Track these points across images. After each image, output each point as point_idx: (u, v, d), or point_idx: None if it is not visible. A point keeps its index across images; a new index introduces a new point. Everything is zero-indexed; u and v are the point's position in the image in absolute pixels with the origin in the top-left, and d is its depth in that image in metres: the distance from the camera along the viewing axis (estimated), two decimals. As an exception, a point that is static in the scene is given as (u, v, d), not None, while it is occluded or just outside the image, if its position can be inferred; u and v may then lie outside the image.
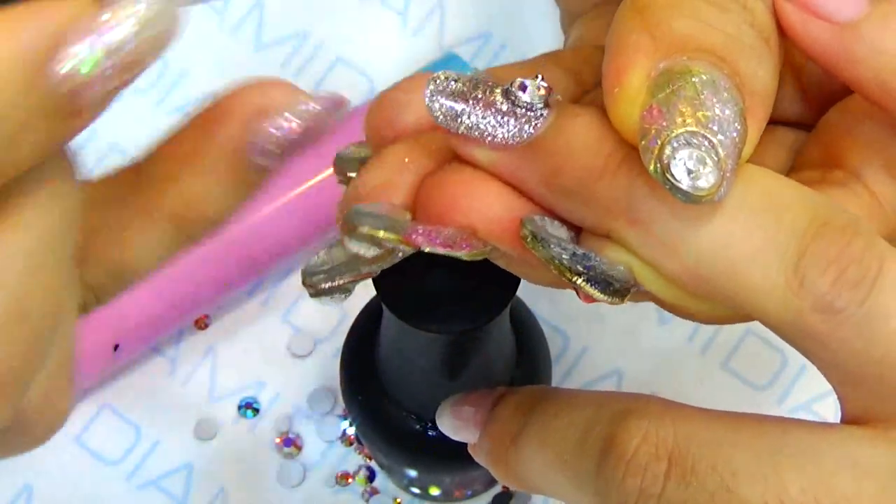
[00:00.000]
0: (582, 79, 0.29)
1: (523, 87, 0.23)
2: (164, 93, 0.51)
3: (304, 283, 0.25)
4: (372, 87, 0.51)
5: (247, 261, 0.46)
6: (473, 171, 0.24)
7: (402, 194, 0.24)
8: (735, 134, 0.21)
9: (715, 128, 0.21)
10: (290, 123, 0.22)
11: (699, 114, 0.21)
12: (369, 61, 0.51)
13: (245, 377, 0.48)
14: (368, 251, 0.24)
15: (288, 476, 0.47)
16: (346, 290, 0.25)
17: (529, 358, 0.39)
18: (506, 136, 0.23)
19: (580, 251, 0.24)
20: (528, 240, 0.23)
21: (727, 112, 0.21)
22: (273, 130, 0.22)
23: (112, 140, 0.49)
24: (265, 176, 0.23)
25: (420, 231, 0.23)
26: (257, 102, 0.23)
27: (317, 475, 0.47)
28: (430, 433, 0.39)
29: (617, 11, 0.23)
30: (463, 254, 0.23)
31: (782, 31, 0.24)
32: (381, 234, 0.23)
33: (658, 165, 0.21)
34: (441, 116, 0.23)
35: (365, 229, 0.23)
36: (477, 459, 0.29)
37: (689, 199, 0.21)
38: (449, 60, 0.49)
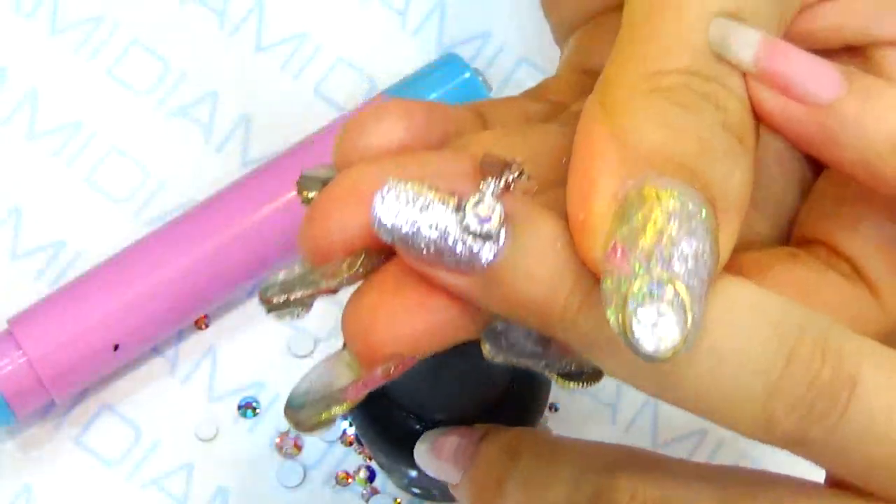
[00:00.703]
0: (567, 106, 0.29)
1: (476, 208, 0.21)
2: (164, 94, 0.51)
3: (259, 297, 0.24)
4: (372, 87, 0.51)
5: (247, 261, 0.46)
6: (399, 288, 0.22)
7: (354, 226, 0.23)
8: (705, 272, 0.20)
9: (682, 271, 0.20)
10: None
11: (666, 253, 0.20)
12: (369, 61, 0.51)
13: (245, 377, 0.48)
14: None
15: (288, 476, 0.47)
16: (303, 305, 0.24)
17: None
18: (456, 264, 0.22)
19: (544, 361, 0.23)
20: (489, 356, 0.23)
21: (696, 246, 0.20)
22: None
23: (113, 141, 0.49)
24: None
25: (360, 385, 0.23)
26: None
27: (317, 475, 0.47)
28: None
29: (586, 103, 0.22)
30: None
31: (759, 117, 0.23)
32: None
33: (619, 322, 0.20)
34: (387, 237, 0.22)
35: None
36: (459, 500, 0.29)
37: (651, 359, 0.20)
38: (449, 60, 0.49)
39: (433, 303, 0.22)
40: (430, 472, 0.29)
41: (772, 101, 0.22)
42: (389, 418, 0.40)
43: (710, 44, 0.22)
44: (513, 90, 0.51)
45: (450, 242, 0.21)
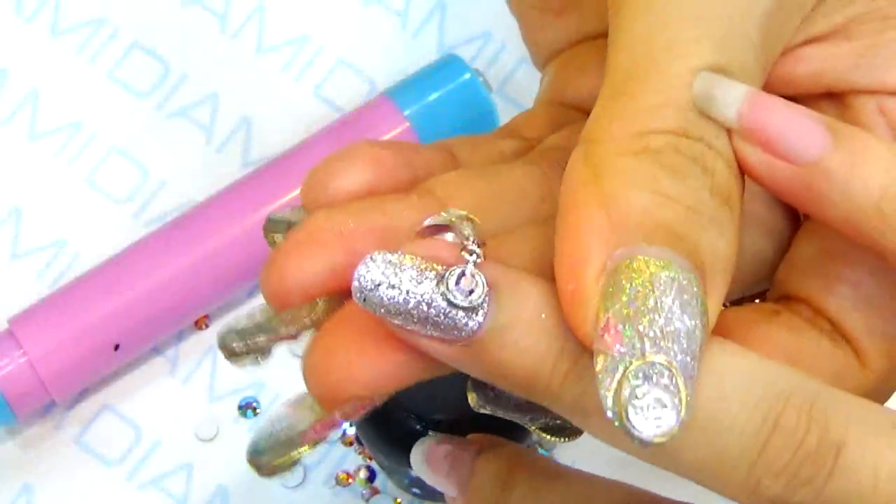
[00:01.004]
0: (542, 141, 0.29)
1: (459, 280, 0.21)
2: (164, 96, 0.51)
3: (219, 345, 0.24)
4: (373, 88, 0.51)
5: (247, 261, 0.46)
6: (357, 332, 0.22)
7: (314, 272, 0.23)
8: (696, 348, 0.20)
9: (677, 351, 0.20)
10: None
11: (661, 333, 0.20)
12: (370, 63, 0.51)
13: (245, 377, 0.48)
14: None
15: (288, 476, 0.47)
16: (262, 352, 0.24)
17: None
18: (440, 335, 0.21)
19: (529, 415, 0.23)
20: (475, 406, 0.23)
21: (689, 324, 0.20)
22: None
23: (112, 143, 0.49)
24: None
25: (318, 428, 0.23)
26: None
27: (317, 475, 0.47)
28: (430, 433, 0.39)
29: (570, 160, 0.22)
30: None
31: (744, 172, 0.23)
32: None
33: (614, 408, 0.20)
34: (370, 308, 0.21)
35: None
36: None
37: (646, 445, 0.20)
38: (449, 61, 0.49)
39: (390, 345, 0.22)
40: (427, 481, 0.29)
41: (755, 157, 0.22)
42: (389, 418, 0.40)
43: (694, 99, 0.21)
44: (513, 90, 0.51)
45: (433, 314, 0.21)
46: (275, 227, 0.25)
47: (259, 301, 0.45)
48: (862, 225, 0.22)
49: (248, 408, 0.48)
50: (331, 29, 0.52)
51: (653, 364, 0.20)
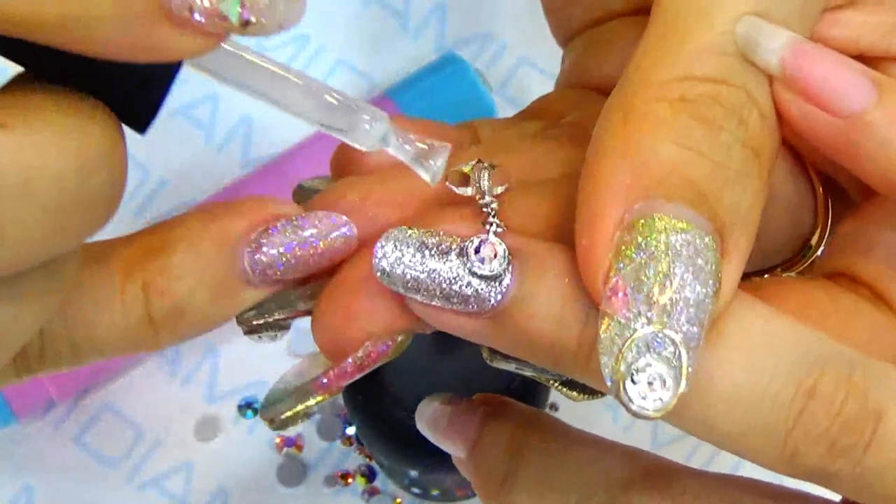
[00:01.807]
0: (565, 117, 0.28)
1: (478, 251, 0.21)
2: (164, 95, 0.51)
3: (237, 320, 0.23)
4: (372, 88, 0.51)
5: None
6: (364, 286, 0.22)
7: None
8: (705, 316, 0.20)
9: (683, 318, 0.19)
10: (290, 247, 0.22)
11: (669, 301, 0.19)
12: (370, 63, 0.51)
13: (245, 377, 0.48)
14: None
15: (288, 476, 0.47)
16: (281, 327, 0.24)
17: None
18: (464, 308, 0.21)
19: (548, 372, 0.23)
20: (488, 360, 0.23)
21: (699, 291, 0.20)
22: (271, 250, 0.22)
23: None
24: (245, 297, 0.22)
25: (331, 376, 0.22)
26: (267, 212, 0.22)
27: (317, 475, 0.47)
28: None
29: (606, 103, 0.22)
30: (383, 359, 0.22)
31: (783, 120, 0.22)
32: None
33: (613, 376, 0.19)
34: (391, 285, 0.21)
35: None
36: (462, 473, 0.29)
37: (639, 417, 0.19)
38: (449, 61, 0.49)
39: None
40: (433, 441, 0.29)
41: (795, 106, 0.21)
42: (389, 418, 0.40)
43: (737, 42, 0.21)
44: (513, 90, 0.51)
45: (456, 287, 0.21)
46: (305, 195, 0.25)
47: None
48: None
49: (247, 408, 0.48)
50: (331, 29, 0.52)
51: (657, 334, 0.19)
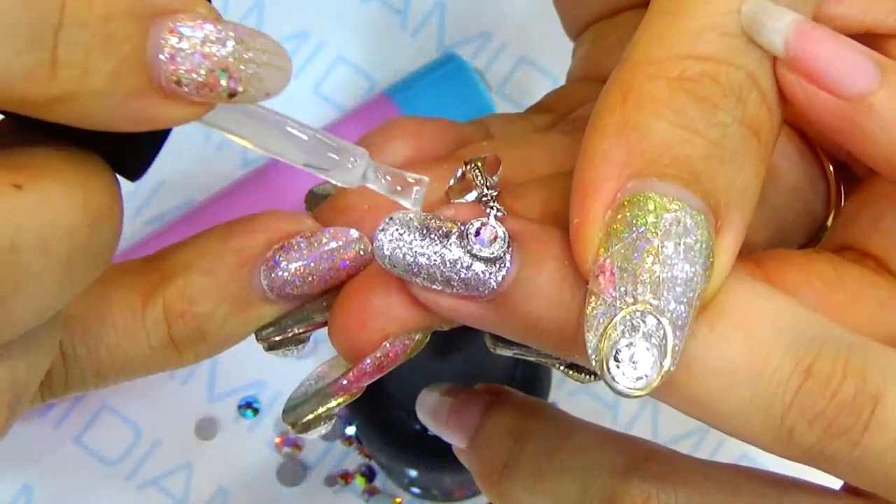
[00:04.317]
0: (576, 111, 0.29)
1: (479, 234, 0.21)
2: (164, 93, 0.51)
3: (256, 338, 0.24)
4: (372, 86, 0.51)
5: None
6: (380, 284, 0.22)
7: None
8: (694, 295, 0.20)
9: (670, 297, 0.19)
10: (307, 264, 0.22)
11: (657, 280, 0.19)
12: (370, 61, 0.51)
13: (245, 377, 0.48)
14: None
15: (288, 476, 0.47)
16: (301, 341, 0.24)
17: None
18: (465, 291, 0.21)
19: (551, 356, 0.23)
20: (492, 348, 0.23)
21: (688, 270, 0.20)
22: (290, 266, 0.22)
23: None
24: (264, 313, 0.23)
25: (351, 377, 0.22)
26: (283, 228, 0.23)
27: (317, 475, 0.47)
28: (430, 433, 0.39)
29: (607, 83, 0.22)
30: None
31: (786, 101, 0.22)
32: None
33: (597, 353, 0.19)
34: (392, 269, 0.21)
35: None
36: (463, 463, 0.29)
37: (622, 395, 0.19)
38: (449, 60, 0.49)
39: (403, 286, 0.22)
40: (434, 431, 0.29)
41: (799, 87, 0.21)
42: (389, 418, 0.40)
43: (742, 22, 0.21)
44: (513, 90, 0.51)
45: (456, 270, 0.21)
46: (317, 200, 0.26)
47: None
48: None
49: (247, 407, 0.48)
50: (330, 26, 0.52)
51: (643, 313, 0.19)
